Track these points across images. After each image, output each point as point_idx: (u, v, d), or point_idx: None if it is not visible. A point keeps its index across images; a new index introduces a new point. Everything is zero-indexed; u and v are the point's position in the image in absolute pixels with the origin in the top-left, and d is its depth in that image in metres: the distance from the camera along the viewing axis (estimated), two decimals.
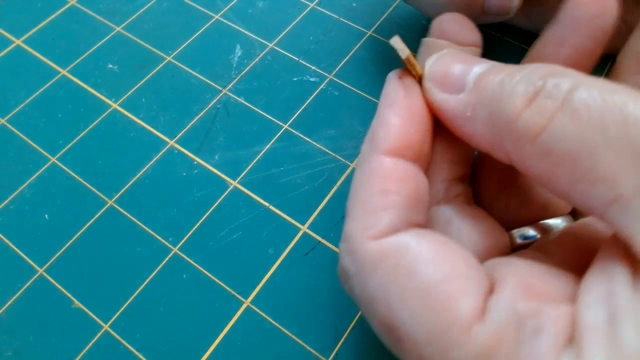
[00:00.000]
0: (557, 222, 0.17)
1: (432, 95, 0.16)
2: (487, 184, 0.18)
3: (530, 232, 0.17)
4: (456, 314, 0.13)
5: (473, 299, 0.13)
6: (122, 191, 0.23)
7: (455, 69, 0.15)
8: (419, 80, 0.16)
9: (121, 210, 0.22)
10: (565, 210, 0.18)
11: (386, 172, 0.15)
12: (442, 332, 0.13)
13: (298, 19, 0.28)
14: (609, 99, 0.12)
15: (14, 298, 0.20)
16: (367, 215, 0.14)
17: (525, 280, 0.13)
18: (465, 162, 0.18)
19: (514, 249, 0.17)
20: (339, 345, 0.19)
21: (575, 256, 0.15)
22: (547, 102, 0.12)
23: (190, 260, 0.21)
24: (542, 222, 0.17)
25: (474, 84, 0.15)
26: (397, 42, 0.16)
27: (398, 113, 0.15)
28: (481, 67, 0.15)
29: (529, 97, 0.13)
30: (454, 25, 0.17)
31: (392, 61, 0.26)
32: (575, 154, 0.12)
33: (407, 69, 0.16)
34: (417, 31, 0.27)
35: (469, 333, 0.12)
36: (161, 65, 0.26)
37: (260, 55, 0.27)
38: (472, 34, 0.17)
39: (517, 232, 0.17)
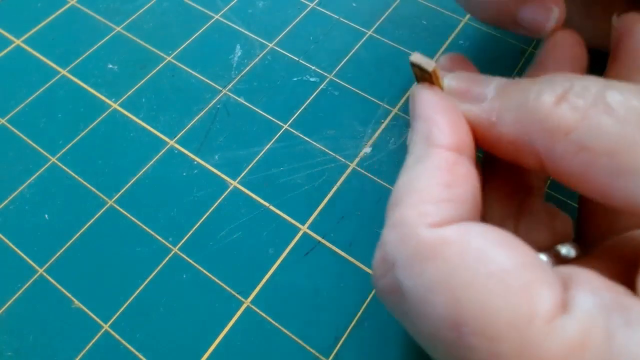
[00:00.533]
0: (567, 248, 0.17)
1: (458, 106, 0.16)
2: (493, 210, 0.18)
3: (543, 257, 0.17)
4: (538, 304, 0.11)
5: (553, 288, 0.12)
6: (122, 191, 0.23)
7: (474, 81, 0.16)
8: None
9: (121, 210, 0.22)
10: (570, 236, 0.17)
11: (450, 166, 0.14)
12: (521, 324, 0.11)
13: (298, 19, 0.28)
14: (637, 96, 0.12)
15: (14, 298, 0.20)
16: (426, 203, 0.13)
17: (597, 276, 0.12)
18: None
19: None
20: (339, 345, 0.19)
21: (620, 269, 0.14)
22: (579, 100, 0.13)
23: (190, 260, 0.21)
24: (555, 248, 0.17)
25: (496, 92, 0.15)
26: (419, 58, 0.16)
27: (447, 115, 0.15)
28: (499, 80, 0.15)
29: (559, 96, 0.13)
30: (460, 65, 0.19)
31: (392, 61, 0.26)
32: (614, 148, 0.12)
33: (430, 83, 0.17)
34: (417, 31, 0.27)
35: (553, 326, 0.11)
36: (161, 65, 0.26)
37: (260, 55, 0.27)
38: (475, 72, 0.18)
39: None
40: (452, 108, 0.16)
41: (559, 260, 0.17)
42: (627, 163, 0.12)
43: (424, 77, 0.17)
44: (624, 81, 0.17)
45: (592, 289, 0.12)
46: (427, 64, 0.16)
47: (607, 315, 0.11)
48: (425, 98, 0.16)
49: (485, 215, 0.18)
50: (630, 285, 0.13)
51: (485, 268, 0.12)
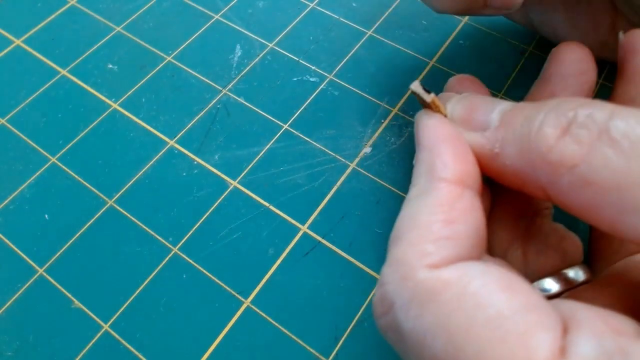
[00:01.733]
0: (575, 272, 0.17)
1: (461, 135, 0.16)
2: (500, 233, 0.18)
3: (547, 284, 0.16)
4: (535, 350, 0.11)
5: (553, 334, 0.11)
6: (122, 191, 0.23)
7: (478, 108, 0.15)
8: None
9: (121, 210, 0.22)
10: (579, 258, 0.17)
11: (452, 201, 0.14)
12: None
13: (298, 19, 0.28)
14: None
15: (14, 298, 0.20)
16: (427, 242, 0.13)
17: (600, 317, 0.12)
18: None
19: None
20: (339, 345, 0.19)
21: (625, 295, 0.14)
22: (583, 132, 0.12)
23: (190, 260, 0.21)
24: (562, 272, 0.17)
25: (499, 120, 0.15)
26: (417, 87, 0.16)
27: (451, 146, 0.15)
28: (504, 105, 0.15)
29: (562, 128, 0.13)
30: (468, 84, 0.19)
31: (392, 61, 0.26)
32: (621, 184, 0.11)
33: (433, 111, 0.16)
34: (417, 31, 0.27)
35: None
36: (161, 65, 0.26)
37: (260, 55, 0.27)
38: (485, 92, 0.18)
39: (536, 285, 0.16)
40: (456, 137, 0.15)
41: (567, 283, 0.16)
42: (634, 199, 0.11)
43: (426, 104, 0.16)
44: (632, 98, 0.17)
45: (594, 333, 0.11)
46: (425, 95, 0.16)
47: None
48: (428, 126, 0.16)
49: (493, 239, 0.17)
50: (638, 310, 0.12)
51: (483, 313, 0.12)
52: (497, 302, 0.12)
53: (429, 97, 0.16)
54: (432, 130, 0.16)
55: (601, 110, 0.12)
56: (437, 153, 0.15)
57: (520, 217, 0.18)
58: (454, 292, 0.12)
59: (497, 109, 0.15)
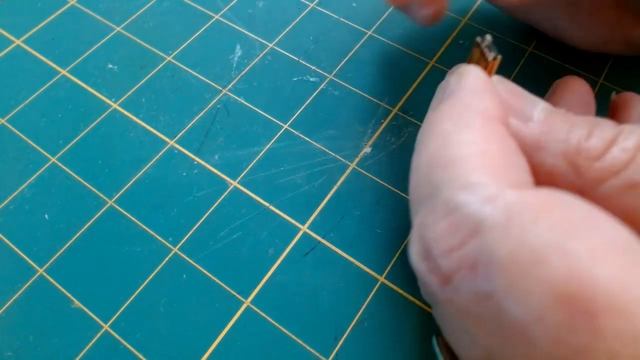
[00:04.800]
0: None
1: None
2: None
3: None
4: None
5: None
6: (122, 191, 0.23)
7: (522, 97, 0.15)
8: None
9: (121, 210, 0.22)
10: None
11: (504, 135, 0.13)
12: None
13: (298, 19, 0.28)
14: None
15: (14, 298, 0.20)
16: (496, 168, 0.12)
17: None
18: None
19: None
20: (339, 345, 0.19)
21: None
22: (628, 142, 0.13)
23: (190, 260, 0.21)
24: None
25: (544, 117, 0.15)
26: (489, 42, 0.16)
27: (493, 95, 0.15)
28: (545, 104, 0.15)
29: (610, 139, 0.13)
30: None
31: (392, 61, 0.26)
32: None
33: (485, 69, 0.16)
34: (417, 31, 0.27)
35: None
36: (161, 65, 0.26)
37: (260, 55, 0.27)
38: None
39: None
40: (497, 95, 0.15)
41: None
42: None
43: (480, 63, 0.16)
44: None
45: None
46: (492, 53, 0.16)
47: None
48: (476, 76, 0.15)
49: None
50: None
51: (602, 238, 0.10)
52: (611, 230, 0.11)
53: (491, 56, 0.15)
54: (479, 79, 0.15)
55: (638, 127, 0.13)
56: (482, 96, 0.14)
57: None
58: (564, 212, 0.11)
59: (540, 106, 0.15)
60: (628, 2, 0.21)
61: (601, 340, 0.09)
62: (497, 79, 0.16)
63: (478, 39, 0.16)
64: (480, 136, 0.13)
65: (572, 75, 0.19)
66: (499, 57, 0.16)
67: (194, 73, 0.26)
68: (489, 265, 0.11)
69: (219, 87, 0.26)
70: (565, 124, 0.14)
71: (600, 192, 0.13)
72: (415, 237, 0.13)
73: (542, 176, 0.14)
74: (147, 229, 0.22)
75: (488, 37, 0.16)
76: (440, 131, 0.14)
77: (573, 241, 0.10)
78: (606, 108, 0.20)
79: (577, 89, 0.19)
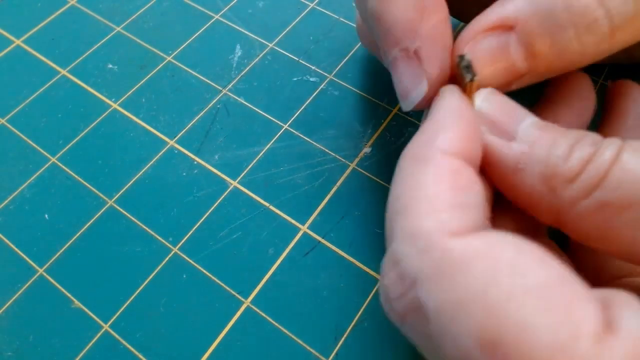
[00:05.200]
0: None
1: (483, 135, 0.15)
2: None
3: None
4: (583, 322, 0.11)
5: (595, 307, 0.11)
6: (122, 191, 0.23)
7: (508, 113, 0.15)
8: None
9: (121, 210, 0.22)
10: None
11: (458, 171, 0.13)
12: (566, 345, 0.10)
13: (298, 19, 0.28)
14: None
15: (14, 298, 0.20)
16: (441, 211, 0.13)
17: (634, 297, 0.12)
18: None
19: None
20: (339, 345, 0.19)
21: None
22: (601, 161, 0.13)
23: (190, 260, 0.21)
24: None
25: (527, 136, 0.14)
26: (467, 62, 0.15)
27: (462, 122, 0.14)
28: (532, 118, 0.15)
29: (586, 160, 0.13)
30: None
31: None
32: (634, 201, 0.12)
33: (464, 91, 0.16)
34: None
35: (601, 347, 0.10)
36: (161, 65, 0.26)
37: (260, 55, 0.27)
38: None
39: None
40: (469, 119, 0.15)
41: None
42: None
43: (461, 82, 0.16)
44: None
45: (637, 309, 0.11)
46: (467, 74, 0.15)
47: None
48: (445, 99, 0.15)
49: None
50: None
51: (523, 282, 0.11)
52: (535, 272, 0.11)
53: (468, 77, 0.15)
54: (449, 105, 0.15)
55: (615, 142, 0.13)
56: (444, 126, 0.14)
57: (518, 231, 0.18)
58: (488, 260, 0.11)
59: (527, 121, 0.15)
60: None
61: None
62: (485, 93, 0.16)
63: (457, 58, 0.16)
64: (432, 178, 0.13)
65: (575, 72, 0.19)
66: (476, 79, 0.15)
67: (194, 73, 0.26)
68: (426, 312, 0.12)
69: (219, 87, 0.26)
70: (547, 142, 0.14)
71: (575, 213, 0.13)
72: (379, 281, 0.14)
73: (522, 197, 0.15)
74: (147, 229, 0.22)
75: (466, 57, 0.15)
76: (402, 170, 0.14)
77: (493, 289, 0.11)
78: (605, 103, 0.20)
79: (576, 91, 0.19)
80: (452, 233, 0.12)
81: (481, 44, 0.15)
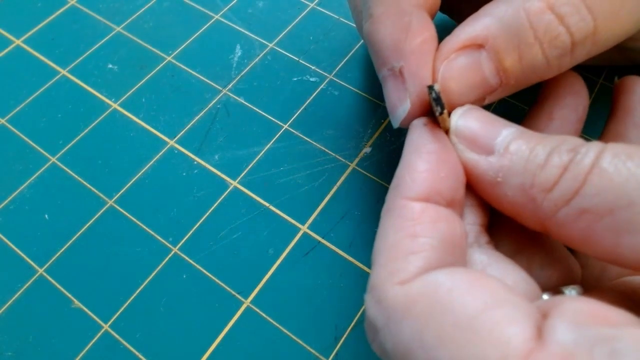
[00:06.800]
0: (570, 290, 0.17)
1: (461, 153, 0.16)
2: (504, 243, 0.18)
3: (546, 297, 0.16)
4: (508, 343, 0.11)
5: (523, 324, 0.12)
6: (122, 191, 0.23)
7: (484, 128, 0.16)
8: (446, 132, 0.16)
9: (121, 210, 0.22)
10: (578, 279, 0.17)
11: (415, 215, 0.14)
12: None
13: (298, 19, 0.28)
14: (630, 158, 0.13)
15: (14, 298, 0.20)
16: (394, 261, 0.14)
17: (589, 306, 0.12)
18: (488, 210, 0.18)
19: None
20: (339, 345, 0.19)
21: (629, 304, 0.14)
22: (579, 168, 0.13)
23: (190, 260, 0.21)
24: (560, 288, 0.17)
25: (504, 149, 0.15)
26: (435, 94, 0.16)
27: (426, 159, 0.15)
28: (509, 129, 0.15)
29: (564, 166, 0.14)
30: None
31: None
32: (612, 208, 0.12)
33: (436, 120, 0.16)
34: None
35: None
36: (161, 65, 0.26)
37: (260, 55, 0.27)
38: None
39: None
40: (439, 149, 0.15)
41: None
42: (626, 219, 0.12)
43: (433, 110, 0.16)
44: (621, 134, 0.18)
45: (576, 320, 0.12)
46: (437, 108, 0.16)
47: (589, 348, 0.11)
48: (412, 137, 0.16)
49: (498, 248, 0.17)
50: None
51: (451, 318, 0.12)
52: (465, 303, 0.12)
53: (437, 111, 0.16)
54: (411, 144, 0.16)
55: (595, 147, 0.14)
56: (407, 167, 0.15)
57: (522, 228, 0.18)
58: (424, 303, 0.12)
59: (503, 134, 0.15)
60: (631, 47, 0.21)
61: None
62: (461, 111, 0.16)
63: (426, 89, 0.16)
64: (392, 229, 0.14)
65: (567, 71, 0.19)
66: (445, 113, 0.16)
67: (194, 73, 0.26)
68: (388, 355, 0.13)
69: (219, 87, 0.26)
70: (524, 152, 0.14)
71: (556, 220, 0.14)
72: None
73: (506, 207, 0.15)
74: (147, 229, 0.22)
75: (435, 89, 0.16)
76: (381, 218, 0.15)
77: (427, 331, 0.12)
78: (606, 108, 0.20)
79: (568, 91, 0.19)
80: (400, 281, 0.13)
81: (454, 62, 0.16)
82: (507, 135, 0.15)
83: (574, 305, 0.12)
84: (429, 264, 0.13)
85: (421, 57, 0.16)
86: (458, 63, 0.16)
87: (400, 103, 0.17)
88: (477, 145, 0.15)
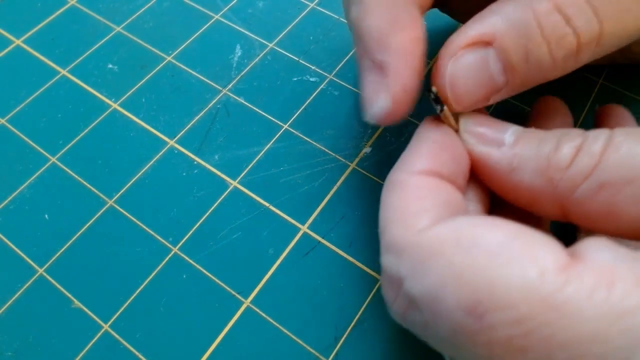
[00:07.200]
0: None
1: (472, 147, 0.16)
2: None
3: None
4: (543, 259, 0.12)
5: (552, 246, 0.12)
6: (122, 191, 0.23)
7: (492, 125, 0.16)
8: (456, 131, 0.17)
9: (121, 210, 0.22)
10: None
11: (418, 184, 0.15)
12: (534, 282, 0.11)
13: (298, 19, 0.28)
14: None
15: (14, 298, 0.20)
16: (406, 218, 0.14)
17: (606, 238, 0.13)
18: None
19: None
20: (339, 345, 0.19)
21: None
22: (594, 147, 0.14)
23: (190, 260, 0.21)
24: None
25: (515, 139, 0.16)
26: (432, 94, 0.17)
27: (427, 144, 0.16)
28: (515, 126, 0.16)
29: (577, 147, 0.14)
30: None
31: None
32: (631, 176, 0.13)
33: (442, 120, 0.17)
34: None
35: (568, 275, 0.11)
36: (161, 65, 0.26)
37: (260, 55, 0.27)
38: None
39: None
40: (444, 139, 0.16)
41: None
42: None
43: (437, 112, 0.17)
44: None
45: (605, 243, 0.12)
46: (437, 106, 0.16)
47: (630, 263, 0.11)
48: (421, 127, 0.17)
49: None
50: None
51: (483, 248, 0.12)
52: (492, 235, 0.13)
53: (438, 109, 0.17)
54: (416, 135, 0.17)
55: (603, 131, 0.14)
56: (411, 150, 0.16)
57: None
58: (451, 241, 0.13)
59: (511, 130, 0.16)
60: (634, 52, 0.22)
61: (499, 332, 0.12)
62: (467, 117, 0.17)
63: (425, 93, 0.17)
64: (399, 196, 0.15)
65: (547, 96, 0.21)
66: (445, 110, 0.16)
67: (194, 73, 0.26)
68: (416, 303, 0.13)
69: (219, 87, 0.26)
70: (535, 140, 0.15)
71: (576, 198, 0.14)
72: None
73: (523, 195, 0.15)
74: (147, 229, 0.22)
75: (432, 90, 0.16)
76: (382, 197, 0.16)
77: (458, 261, 0.12)
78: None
79: (553, 104, 0.21)
80: (419, 230, 0.14)
81: (462, 59, 0.16)
82: (515, 130, 0.16)
83: (601, 239, 0.13)
84: (439, 219, 0.14)
85: (407, 56, 0.16)
86: (465, 60, 0.16)
87: (377, 98, 0.17)
88: (488, 139, 0.16)
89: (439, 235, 0.13)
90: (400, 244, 0.14)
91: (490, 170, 0.16)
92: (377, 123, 0.17)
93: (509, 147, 0.16)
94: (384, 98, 0.16)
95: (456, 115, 0.17)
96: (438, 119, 0.17)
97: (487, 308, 0.12)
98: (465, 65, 0.16)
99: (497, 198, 0.18)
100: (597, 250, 0.12)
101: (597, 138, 0.14)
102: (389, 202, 0.15)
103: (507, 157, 0.15)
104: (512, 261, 0.12)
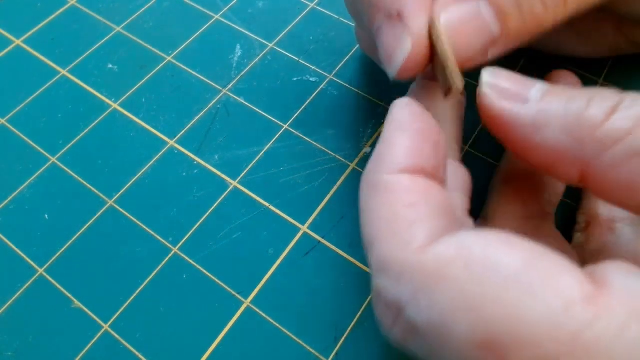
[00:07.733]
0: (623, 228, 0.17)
1: (493, 102, 0.15)
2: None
3: None
4: (568, 289, 0.11)
5: (573, 272, 0.11)
6: (122, 191, 0.23)
7: (517, 80, 0.15)
8: (447, 93, 0.16)
9: (121, 210, 0.22)
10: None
11: (406, 187, 0.13)
12: (560, 316, 0.10)
13: (298, 19, 0.28)
14: None
15: (14, 298, 0.20)
16: (401, 233, 0.13)
17: (624, 261, 0.12)
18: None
19: None
20: (339, 345, 0.19)
21: None
22: (631, 111, 0.13)
23: (190, 260, 0.21)
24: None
25: (542, 95, 0.14)
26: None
27: (408, 136, 0.14)
28: (542, 84, 0.15)
29: (612, 107, 0.13)
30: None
31: None
32: None
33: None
34: None
35: (595, 306, 0.10)
36: (161, 65, 0.26)
37: (260, 55, 0.27)
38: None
39: None
40: (421, 127, 0.15)
41: None
42: None
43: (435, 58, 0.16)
44: None
45: (629, 269, 0.11)
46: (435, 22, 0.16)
47: None
48: (392, 117, 0.15)
49: None
50: None
51: (498, 275, 0.11)
52: (507, 259, 0.11)
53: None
54: (392, 122, 0.15)
55: None
56: (389, 144, 0.15)
57: (526, 218, 0.18)
58: (460, 263, 0.11)
59: (537, 86, 0.15)
60: (625, 12, 0.21)
61: None
62: (490, 69, 0.16)
63: (431, 23, 0.16)
64: (385, 203, 0.13)
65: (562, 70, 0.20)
66: (440, 24, 0.16)
67: (194, 73, 0.26)
68: (421, 331, 0.12)
69: (219, 87, 0.26)
70: (563, 97, 0.14)
71: (604, 161, 0.13)
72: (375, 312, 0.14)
73: (545, 154, 0.14)
74: (147, 229, 0.22)
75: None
76: (362, 199, 0.14)
77: (471, 290, 0.11)
78: None
79: (565, 78, 0.20)
80: (418, 248, 0.12)
81: (455, 9, 0.16)
82: (541, 87, 0.15)
83: (621, 263, 0.12)
84: (437, 232, 0.13)
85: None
86: (458, 10, 0.16)
87: (398, 46, 0.16)
88: (512, 93, 0.15)
89: (444, 255, 0.12)
90: (397, 265, 0.12)
91: (511, 128, 0.15)
92: (400, 75, 0.17)
93: (535, 104, 0.14)
94: (405, 42, 0.16)
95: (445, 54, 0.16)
96: (410, 101, 0.16)
97: (506, 345, 0.10)
98: (459, 15, 0.16)
99: (488, 194, 0.17)
100: (621, 276, 0.11)
101: (637, 101, 0.13)
102: (374, 211, 0.14)
103: (532, 114, 0.14)
104: (533, 290, 0.11)
